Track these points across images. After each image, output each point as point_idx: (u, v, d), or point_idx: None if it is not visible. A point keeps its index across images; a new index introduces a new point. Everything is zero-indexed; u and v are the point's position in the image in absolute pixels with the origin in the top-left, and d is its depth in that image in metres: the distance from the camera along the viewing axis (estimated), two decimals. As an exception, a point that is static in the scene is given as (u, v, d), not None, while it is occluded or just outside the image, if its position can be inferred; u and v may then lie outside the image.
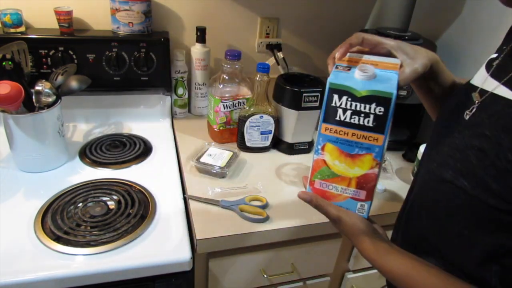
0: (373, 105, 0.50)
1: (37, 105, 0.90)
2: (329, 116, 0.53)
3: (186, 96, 1.22)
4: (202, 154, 0.99)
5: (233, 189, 0.91)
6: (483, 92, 0.50)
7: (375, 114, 0.50)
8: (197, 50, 1.15)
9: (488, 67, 0.53)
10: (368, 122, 0.51)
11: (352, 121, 0.52)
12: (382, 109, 0.50)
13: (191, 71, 1.20)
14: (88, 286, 0.69)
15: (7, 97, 0.80)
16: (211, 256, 0.83)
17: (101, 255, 0.71)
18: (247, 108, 1.04)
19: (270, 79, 1.01)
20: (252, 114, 1.02)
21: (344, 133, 0.53)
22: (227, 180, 0.95)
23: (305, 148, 1.10)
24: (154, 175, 0.95)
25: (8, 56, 0.87)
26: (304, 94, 1.00)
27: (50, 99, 0.91)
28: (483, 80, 0.52)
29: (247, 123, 1.03)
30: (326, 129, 0.53)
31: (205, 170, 0.95)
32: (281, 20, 1.28)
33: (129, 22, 1.06)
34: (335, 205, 0.56)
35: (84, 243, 0.72)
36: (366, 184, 0.54)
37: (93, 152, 1.01)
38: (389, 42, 0.57)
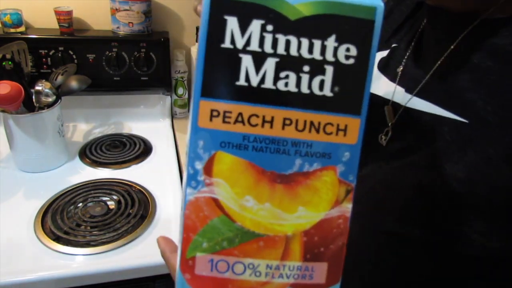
0: (332, 40, 0.21)
1: (37, 105, 0.90)
2: (217, 77, 0.21)
3: (186, 96, 1.22)
4: (202, 154, 0.98)
5: (233, 189, 0.91)
6: (396, 106, 0.39)
7: (337, 64, 0.21)
8: (197, 50, 1.15)
9: (386, 71, 0.43)
10: (322, 87, 0.21)
11: (279, 86, 0.21)
12: (355, 50, 0.21)
13: (191, 71, 1.20)
14: (88, 286, 0.69)
15: (7, 97, 0.80)
16: (211, 256, 0.83)
17: (101, 255, 0.70)
18: (247, 108, 1.04)
19: (270, 79, 1.01)
20: (252, 114, 1.02)
21: (264, 121, 0.21)
22: (227, 180, 0.95)
23: (305, 148, 1.09)
24: (154, 175, 0.95)
25: (8, 56, 0.87)
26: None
27: (50, 99, 0.91)
28: (390, 90, 0.41)
29: (247, 123, 1.03)
30: (213, 115, 0.21)
31: (205, 170, 0.95)
32: (281, 20, 1.28)
33: (129, 22, 1.06)
34: None
35: (84, 243, 0.72)
36: (327, 246, 0.23)
37: (93, 152, 1.01)
38: None
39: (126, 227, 0.76)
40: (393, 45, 0.44)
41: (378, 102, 0.41)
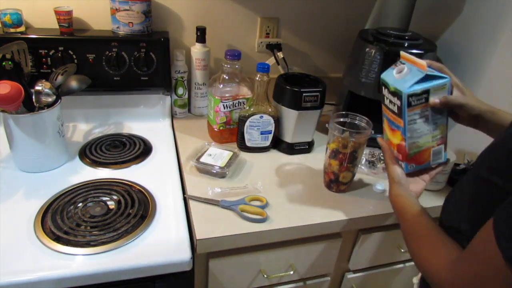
0: (395, 98, 0.68)
1: (37, 105, 0.90)
2: (383, 100, 0.73)
3: (186, 96, 1.22)
4: (202, 154, 0.99)
5: (233, 189, 0.91)
6: None
7: (396, 104, 0.68)
8: (197, 50, 1.15)
9: None
10: (394, 109, 0.69)
11: (389, 106, 0.71)
12: (399, 102, 0.67)
13: (191, 71, 1.20)
14: (88, 286, 0.69)
15: (7, 97, 0.80)
16: (211, 256, 0.83)
17: (101, 255, 0.71)
18: (247, 108, 1.04)
19: (270, 79, 1.01)
20: (252, 114, 1.02)
21: (388, 114, 0.72)
22: (227, 180, 0.95)
23: (305, 148, 1.10)
24: (154, 175, 0.95)
25: (8, 56, 0.87)
26: (304, 94, 1.00)
27: (50, 99, 0.91)
28: None
29: (247, 123, 1.03)
30: (383, 109, 0.74)
31: (205, 170, 0.95)
32: (281, 20, 1.28)
33: (129, 22, 1.06)
34: (393, 157, 0.76)
35: (84, 243, 0.72)
36: (400, 151, 0.73)
37: (93, 152, 1.01)
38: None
39: (126, 227, 0.76)
40: None
41: None
